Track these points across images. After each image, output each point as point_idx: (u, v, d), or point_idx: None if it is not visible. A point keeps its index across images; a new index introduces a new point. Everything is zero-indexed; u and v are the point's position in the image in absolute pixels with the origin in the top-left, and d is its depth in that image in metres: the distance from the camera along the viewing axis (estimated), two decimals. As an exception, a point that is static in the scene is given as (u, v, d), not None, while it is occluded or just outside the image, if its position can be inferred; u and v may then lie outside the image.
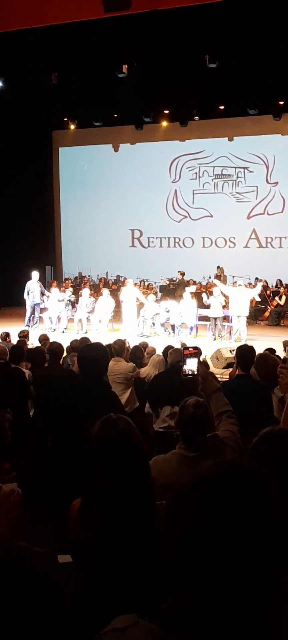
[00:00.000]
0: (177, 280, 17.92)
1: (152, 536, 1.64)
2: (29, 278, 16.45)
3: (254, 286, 17.61)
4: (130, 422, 1.98)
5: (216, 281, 16.31)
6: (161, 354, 8.15)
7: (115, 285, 20.06)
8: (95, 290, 18.73)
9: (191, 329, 15.38)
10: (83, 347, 4.19)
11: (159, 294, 18.68)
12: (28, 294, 16.08)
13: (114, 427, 1.92)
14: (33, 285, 16.15)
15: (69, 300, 16.79)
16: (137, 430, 1.98)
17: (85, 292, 16.50)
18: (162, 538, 1.14)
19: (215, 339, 14.73)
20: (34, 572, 1.29)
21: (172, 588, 1.14)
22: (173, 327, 15.44)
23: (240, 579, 1.04)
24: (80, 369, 4.07)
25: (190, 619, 1.08)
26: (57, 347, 7.14)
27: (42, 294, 16.29)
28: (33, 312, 16.20)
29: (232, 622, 1.04)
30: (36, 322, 16.20)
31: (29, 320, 16.07)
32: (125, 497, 1.83)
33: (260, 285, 16.07)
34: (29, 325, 15.45)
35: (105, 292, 16.35)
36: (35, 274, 16.24)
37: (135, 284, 17.45)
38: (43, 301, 16.30)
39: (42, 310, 16.66)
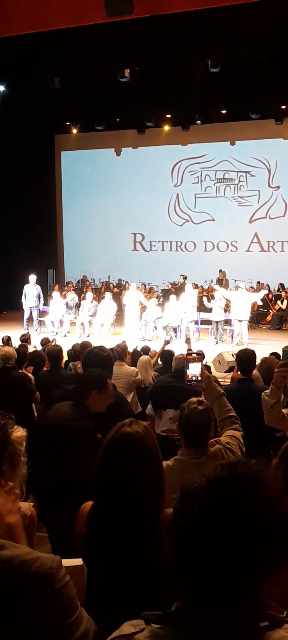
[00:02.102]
0: (179, 284, 17.93)
1: (159, 540, 1.64)
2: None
3: (256, 290, 17.65)
4: (146, 427, 1.99)
5: (216, 286, 16.24)
6: (145, 355, 8.18)
7: (117, 289, 20.06)
8: (98, 294, 18.74)
9: (195, 323, 15.41)
10: (87, 351, 4.21)
11: (161, 299, 18.69)
12: (24, 298, 16.12)
13: (129, 432, 1.93)
14: (29, 288, 16.18)
15: (75, 304, 16.87)
16: (153, 436, 1.99)
17: (88, 295, 16.52)
18: (167, 543, 1.15)
19: (216, 343, 14.74)
20: (37, 578, 1.29)
21: (175, 590, 1.16)
22: (175, 329, 15.44)
23: (242, 576, 1.07)
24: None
25: (193, 620, 1.10)
26: (56, 350, 7.13)
27: (39, 297, 16.28)
28: (30, 315, 16.21)
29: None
30: (36, 325, 16.20)
31: (27, 323, 16.09)
32: (137, 501, 1.83)
33: (263, 292, 16.07)
34: (27, 329, 15.45)
35: (108, 295, 16.37)
36: (32, 277, 16.26)
37: (137, 288, 17.46)
38: (39, 304, 16.31)
39: (44, 313, 16.69)
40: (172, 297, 16.00)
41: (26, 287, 16.21)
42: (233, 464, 1.17)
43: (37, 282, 16.65)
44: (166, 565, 1.16)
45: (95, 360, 3.95)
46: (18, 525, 1.62)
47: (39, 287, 16.36)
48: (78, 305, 16.75)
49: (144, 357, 7.88)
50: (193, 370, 3.23)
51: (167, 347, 9.37)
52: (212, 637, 1.08)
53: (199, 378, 3.23)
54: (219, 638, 1.08)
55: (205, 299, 15.63)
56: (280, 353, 8.15)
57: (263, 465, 1.18)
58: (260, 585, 1.10)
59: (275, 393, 3.34)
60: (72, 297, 16.99)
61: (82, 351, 8.36)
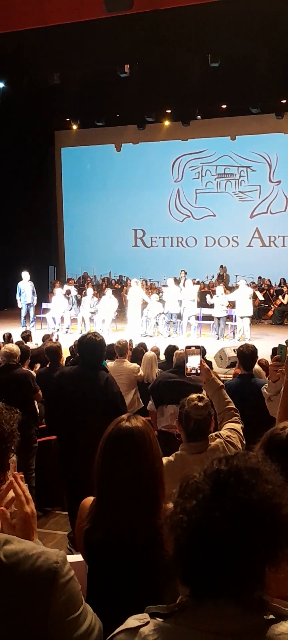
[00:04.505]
0: (179, 280, 17.94)
1: (159, 535, 1.64)
2: (32, 279, 16.48)
3: (258, 286, 17.71)
4: (145, 421, 1.99)
5: (218, 289, 16.01)
6: (152, 351, 8.16)
7: (118, 285, 20.07)
8: (99, 290, 18.74)
9: (197, 318, 15.42)
10: (81, 337, 4.59)
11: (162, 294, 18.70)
12: (20, 295, 16.14)
13: (129, 427, 1.93)
14: (24, 286, 16.20)
15: (75, 297, 16.88)
16: (152, 430, 1.99)
17: (89, 291, 16.51)
18: (168, 537, 1.16)
19: (218, 339, 14.73)
20: (42, 573, 1.29)
21: (176, 585, 1.16)
22: (175, 325, 15.49)
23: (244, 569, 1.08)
24: (79, 355, 4.56)
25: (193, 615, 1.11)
26: (55, 347, 7.15)
27: (33, 292, 16.30)
28: (27, 312, 16.24)
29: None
30: (33, 321, 16.23)
31: (25, 320, 16.12)
32: (137, 496, 1.84)
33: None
34: (25, 325, 15.48)
35: (108, 292, 16.36)
36: (25, 274, 16.28)
37: (141, 284, 17.47)
38: (34, 300, 16.32)
39: (45, 310, 16.72)
40: (170, 280, 16.02)
41: (21, 285, 16.23)
42: (231, 457, 1.18)
43: (38, 279, 16.65)
44: (167, 559, 1.16)
45: (89, 344, 4.31)
46: (34, 515, 1.63)
47: (32, 283, 16.39)
48: (79, 302, 16.77)
49: (150, 354, 7.86)
50: (193, 363, 3.26)
51: (168, 342, 9.35)
52: (217, 630, 1.08)
53: (198, 371, 3.26)
54: (224, 631, 1.08)
55: (208, 296, 15.60)
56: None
57: (261, 457, 1.19)
58: (262, 576, 1.10)
59: (272, 386, 3.42)
60: (71, 289, 17.06)
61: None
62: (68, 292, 16.91)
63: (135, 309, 15.61)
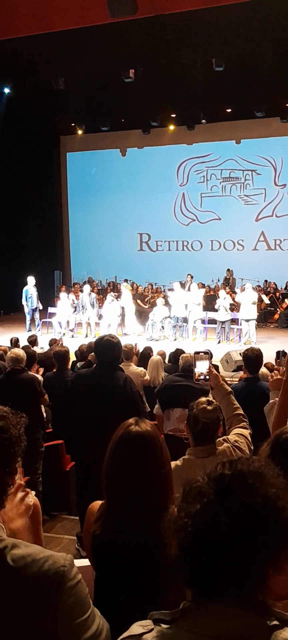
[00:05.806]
0: (185, 283, 17.94)
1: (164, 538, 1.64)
2: (38, 284, 16.52)
3: (264, 289, 17.66)
4: (154, 425, 1.99)
5: (222, 293, 15.98)
6: (158, 355, 8.15)
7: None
8: (104, 295, 18.73)
9: (203, 322, 15.40)
10: (99, 338, 4.72)
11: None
12: (26, 300, 16.18)
13: (139, 430, 1.93)
14: (30, 291, 16.26)
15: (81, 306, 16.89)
16: (160, 435, 1.99)
17: (84, 297, 16.43)
18: (172, 540, 1.16)
19: (219, 342, 14.63)
20: (49, 577, 1.30)
21: (182, 589, 1.17)
22: (181, 329, 15.46)
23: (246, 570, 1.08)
24: (96, 357, 4.72)
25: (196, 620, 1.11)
26: (63, 352, 7.14)
27: (38, 298, 16.35)
28: (33, 317, 16.28)
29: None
30: (38, 326, 16.26)
31: (30, 325, 16.16)
32: (146, 500, 1.84)
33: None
34: (30, 330, 15.52)
35: (109, 297, 16.32)
36: (31, 279, 16.34)
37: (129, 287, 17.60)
38: (39, 305, 16.34)
39: (51, 315, 16.75)
40: (176, 284, 16.00)
41: (27, 290, 16.28)
42: (235, 460, 1.18)
43: (44, 284, 16.68)
44: (170, 562, 1.16)
45: (106, 346, 4.46)
46: (22, 531, 1.64)
47: (36, 288, 16.44)
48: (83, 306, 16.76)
49: (156, 357, 7.87)
50: (201, 368, 3.25)
51: (174, 346, 9.34)
52: (217, 634, 1.08)
53: (207, 376, 3.25)
54: (224, 634, 1.08)
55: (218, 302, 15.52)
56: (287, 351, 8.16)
57: (264, 461, 1.19)
58: (264, 579, 1.10)
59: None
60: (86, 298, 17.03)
61: (89, 352, 8.39)
62: (73, 302, 16.89)
63: (130, 313, 15.78)
